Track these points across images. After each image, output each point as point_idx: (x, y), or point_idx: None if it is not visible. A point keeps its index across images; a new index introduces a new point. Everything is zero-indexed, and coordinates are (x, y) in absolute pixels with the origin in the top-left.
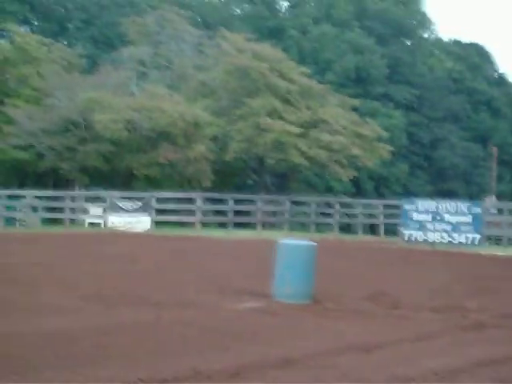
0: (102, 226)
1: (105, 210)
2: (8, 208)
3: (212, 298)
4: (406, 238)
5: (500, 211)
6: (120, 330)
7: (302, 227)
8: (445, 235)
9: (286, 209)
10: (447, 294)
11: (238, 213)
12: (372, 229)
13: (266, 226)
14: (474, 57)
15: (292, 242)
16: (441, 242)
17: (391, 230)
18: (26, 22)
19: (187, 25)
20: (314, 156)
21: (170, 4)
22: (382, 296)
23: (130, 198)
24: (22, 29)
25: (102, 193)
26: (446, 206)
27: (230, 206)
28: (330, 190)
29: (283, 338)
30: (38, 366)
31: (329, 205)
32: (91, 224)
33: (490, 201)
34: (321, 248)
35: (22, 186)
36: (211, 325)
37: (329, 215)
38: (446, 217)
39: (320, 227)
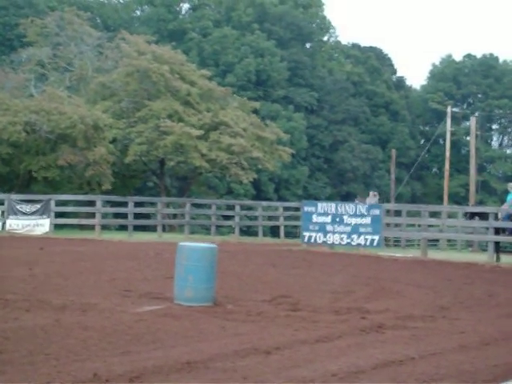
0: (0, 229)
1: (3, 213)
2: None
3: (113, 302)
4: (306, 240)
5: (398, 213)
6: (20, 335)
7: (203, 230)
8: (344, 237)
9: (187, 211)
10: (348, 295)
11: (138, 215)
12: (273, 231)
13: (166, 228)
14: (373, 60)
15: (192, 245)
16: (340, 244)
17: (292, 232)
18: None
19: (87, 26)
20: (214, 158)
21: (69, 5)
22: (282, 298)
23: (28, 201)
24: None
25: (0, 195)
26: (345, 207)
27: (131, 208)
28: (230, 192)
29: (184, 340)
30: None
31: (229, 207)
32: None
33: (372, 197)
34: (222, 251)
35: None
36: (112, 328)
37: (230, 217)
38: (346, 219)
39: (221, 230)
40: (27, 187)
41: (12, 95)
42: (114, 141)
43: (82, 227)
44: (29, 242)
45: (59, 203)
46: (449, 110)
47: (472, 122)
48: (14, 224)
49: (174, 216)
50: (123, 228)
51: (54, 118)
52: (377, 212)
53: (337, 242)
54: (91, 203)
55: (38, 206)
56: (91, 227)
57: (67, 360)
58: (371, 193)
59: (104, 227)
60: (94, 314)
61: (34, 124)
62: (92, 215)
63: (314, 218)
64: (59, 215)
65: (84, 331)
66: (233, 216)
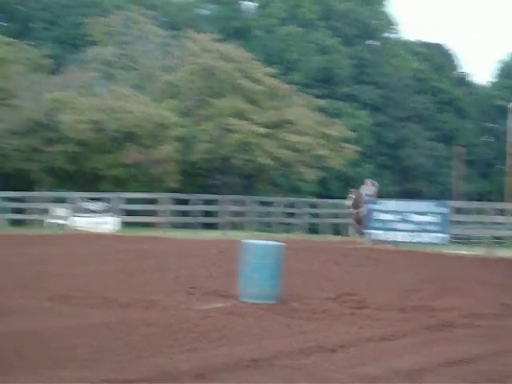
0: (67, 227)
1: (70, 211)
2: None
3: (178, 299)
4: (372, 238)
5: (463, 210)
6: (86, 331)
7: (268, 228)
8: (410, 235)
9: (252, 209)
10: (414, 293)
11: (204, 213)
12: (337, 228)
13: (232, 226)
14: (439, 57)
15: (259, 243)
16: (406, 242)
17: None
18: None
19: (153, 25)
20: (279, 156)
21: (135, 4)
22: (347, 296)
23: (95, 199)
24: None
25: (67, 194)
26: (411, 205)
27: (196, 206)
28: (296, 190)
29: (249, 338)
30: (3, 366)
31: (294, 205)
32: (56, 225)
33: (369, 186)
34: (286, 248)
35: None
36: (177, 325)
37: (295, 215)
38: (412, 216)
39: (286, 228)
40: (94, 185)
41: (79, 94)
42: (180, 139)
43: (147, 225)
44: (94, 240)
45: (125, 201)
46: (511, 105)
47: None
48: (80, 222)
49: (239, 214)
50: (188, 226)
51: (120, 117)
52: (443, 209)
53: (401, 240)
54: (157, 201)
55: (105, 204)
56: (157, 225)
57: (132, 356)
58: (368, 181)
59: (169, 225)
60: (159, 311)
61: (101, 123)
62: (157, 213)
63: (379, 216)
64: (126, 213)
65: (149, 328)
66: (297, 214)
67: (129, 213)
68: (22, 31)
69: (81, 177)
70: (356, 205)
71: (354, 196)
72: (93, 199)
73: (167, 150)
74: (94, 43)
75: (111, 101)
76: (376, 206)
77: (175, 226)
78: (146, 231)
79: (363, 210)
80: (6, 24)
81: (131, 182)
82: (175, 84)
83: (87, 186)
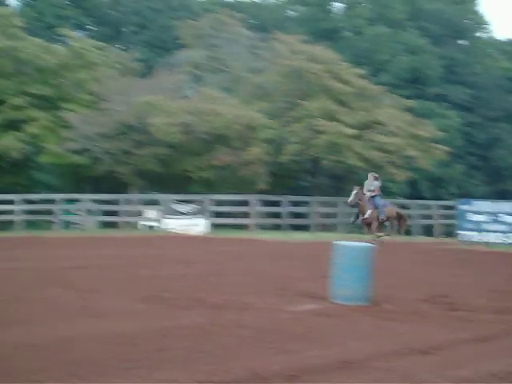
0: (158, 229)
1: (160, 213)
2: (65, 212)
3: (269, 301)
4: (463, 239)
5: None
6: (178, 333)
7: (357, 229)
8: (503, 236)
9: (342, 211)
10: (506, 295)
11: (293, 215)
12: (427, 229)
13: (322, 228)
14: None
15: (349, 244)
16: (498, 243)
17: (447, 231)
18: (81, 26)
19: (241, 27)
20: (369, 157)
21: (223, 6)
22: (439, 298)
23: (185, 201)
24: (78, 33)
25: (158, 196)
26: (503, 206)
27: (285, 208)
28: (385, 191)
29: (341, 339)
30: (99, 368)
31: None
32: (147, 227)
33: (371, 180)
34: (378, 250)
35: (78, 189)
36: (268, 327)
37: None
38: (503, 217)
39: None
40: (184, 187)
41: (168, 97)
42: (268, 141)
43: (237, 227)
44: (185, 242)
45: (216, 203)
46: None
47: None
48: (171, 224)
49: (329, 215)
50: (278, 227)
51: (210, 119)
52: None
53: (494, 241)
54: (246, 203)
55: (195, 206)
56: (247, 227)
57: (224, 358)
58: (370, 175)
59: (259, 226)
60: (250, 312)
61: (190, 125)
62: (247, 215)
63: (470, 217)
64: (216, 215)
65: (240, 329)
66: None
67: (219, 214)
68: (112, 35)
69: (171, 179)
70: (360, 205)
71: (356, 191)
72: (183, 201)
73: (256, 151)
74: (183, 46)
75: (200, 103)
76: (468, 207)
77: (264, 227)
78: (235, 233)
79: (370, 211)
80: (97, 28)
81: (221, 183)
82: (264, 86)
83: (177, 188)
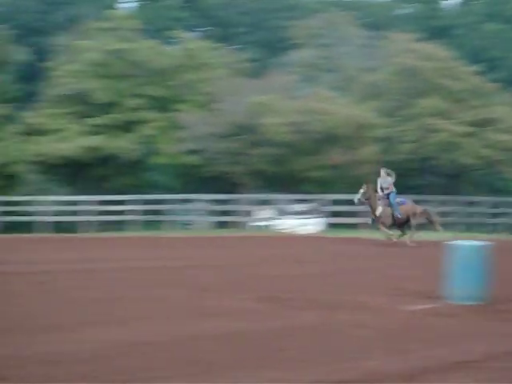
0: (271, 228)
1: (274, 213)
2: (179, 212)
3: (383, 300)
4: None
5: None
6: (294, 332)
7: (475, 228)
8: None
9: (459, 209)
10: None
11: None
12: None
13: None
14: None
15: (465, 243)
16: None
17: None
18: (193, 28)
19: (353, 26)
20: (484, 156)
21: (334, 6)
22: None
23: (299, 201)
24: (191, 35)
25: (271, 196)
26: None
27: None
28: (500, 190)
29: (456, 340)
30: (216, 367)
31: (499, 205)
32: (260, 227)
33: (384, 177)
34: (494, 249)
35: (191, 190)
36: (386, 327)
37: (500, 216)
38: None
39: (490, 228)
40: (296, 187)
41: (280, 97)
42: (381, 140)
43: (353, 226)
44: (299, 242)
45: (329, 202)
46: None
47: None
48: (284, 223)
49: (443, 214)
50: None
51: (322, 118)
52: None
53: None
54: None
55: (308, 205)
56: (361, 226)
57: (341, 358)
58: (382, 171)
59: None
60: (365, 312)
61: (303, 125)
62: (360, 214)
63: None
64: (330, 214)
65: (356, 329)
66: (502, 214)
67: (334, 214)
68: (224, 36)
69: (284, 179)
70: (370, 203)
71: (363, 190)
72: (297, 201)
73: (369, 150)
74: (294, 46)
75: (313, 103)
76: None
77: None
78: (350, 232)
79: (380, 208)
80: (209, 29)
81: (335, 183)
82: (376, 85)
83: (290, 188)
